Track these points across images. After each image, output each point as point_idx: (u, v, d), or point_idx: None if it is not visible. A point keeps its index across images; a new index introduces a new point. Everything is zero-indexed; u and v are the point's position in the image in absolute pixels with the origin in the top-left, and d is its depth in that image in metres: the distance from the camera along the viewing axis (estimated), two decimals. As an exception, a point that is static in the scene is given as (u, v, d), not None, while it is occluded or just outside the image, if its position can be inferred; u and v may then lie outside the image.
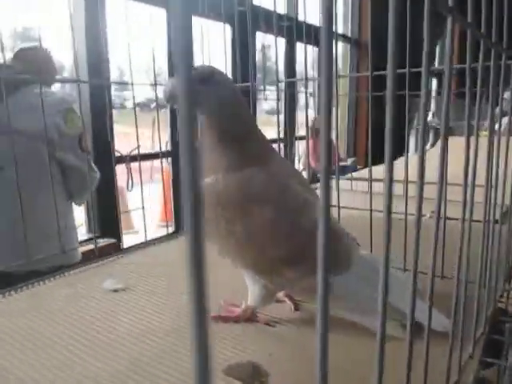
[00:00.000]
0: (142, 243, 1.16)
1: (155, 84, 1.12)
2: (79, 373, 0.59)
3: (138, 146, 1.12)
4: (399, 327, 0.59)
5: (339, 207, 0.97)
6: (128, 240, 1.34)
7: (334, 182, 1.04)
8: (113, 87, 2.38)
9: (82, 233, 2.50)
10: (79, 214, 2.29)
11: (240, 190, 0.65)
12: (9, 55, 1.38)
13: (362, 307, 0.63)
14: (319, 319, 0.21)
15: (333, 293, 0.63)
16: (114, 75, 2.10)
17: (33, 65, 1.35)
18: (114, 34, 2.26)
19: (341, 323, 0.65)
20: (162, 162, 1.21)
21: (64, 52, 2.48)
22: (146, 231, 1.16)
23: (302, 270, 0.63)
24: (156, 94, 1.14)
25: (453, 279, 0.51)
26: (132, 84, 1.12)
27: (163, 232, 1.25)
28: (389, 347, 0.57)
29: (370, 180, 0.97)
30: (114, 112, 2.56)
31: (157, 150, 3.00)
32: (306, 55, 0.99)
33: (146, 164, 1.91)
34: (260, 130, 0.72)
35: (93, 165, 1.36)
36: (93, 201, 2.40)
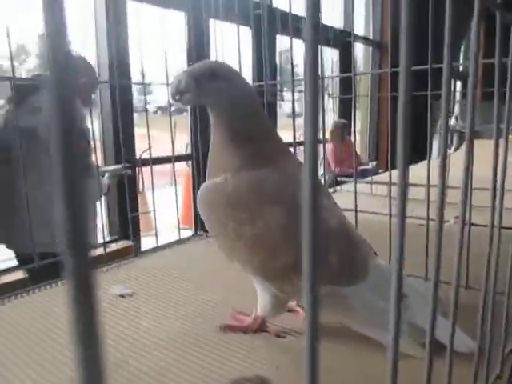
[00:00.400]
0: (155, 247, 1.14)
1: (167, 84, 1.11)
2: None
3: (150, 148, 1.11)
4: (418, 346, 0.55)
5: (356, 211, 0.93)
6: (148, 242, 1.32)
7: (352, 186, 1.01)
8: (135, 91, 2.40)
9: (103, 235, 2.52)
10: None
11: (251, 190, 0.62)
12: (35, 61, 1.41)
13: (377, 321, 0.58)
14: (307, 335, 0.19)
15: (346, 303, 0.60)
16: (136, 78, 2.10)
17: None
18: (136, 38, 2.28)
19: (354, 336, 0.62)
20: (173, 165, 1.20)
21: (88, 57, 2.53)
22: (157, 235, 1.14)
23: None
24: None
25: (479, 290, 0.47)
26: (144, 84, 1.10)
27: (182, 235, 1.23)
28: (406, 367, 0.53)
29: (390, 184, 0.93)
30: (136, 115, 2.58)
31: (177, 153, 3.04)
32: (322, 56, 0.96)
33: (167, 167, 1.92)
34: (275, 131, 0.69)
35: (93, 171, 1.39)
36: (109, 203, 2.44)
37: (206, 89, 0.62)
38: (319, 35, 0.17)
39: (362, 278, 0.61)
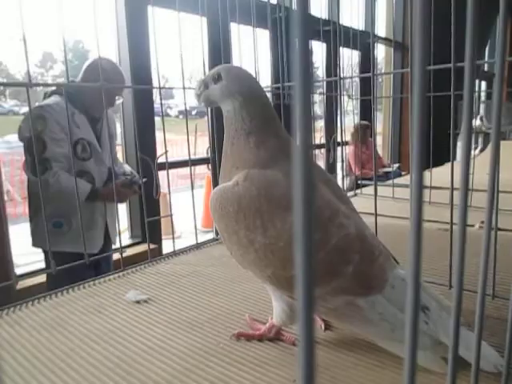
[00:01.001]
0: (172, 252, 1.13)
1: (183, 88, 1.10)
2: None
3: (166, 152, 1.10)
4: (441, 360, 0.53)
5: (376, 215, 0.90)
6: (170, 245, 1.32)
7: (372, 189, 0.98)
8: (157, 95, 2.42)
9: (126, 237, 2.55)
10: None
11: (262, 195, 0.59)
12: (60, 68, 1.43)
13: (396, 335, 0.55)
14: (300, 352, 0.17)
15: (363, 315, 0.57)
16: (157, 83, 2.12)
17: (103, 74, 1.43)
18: (158, 43, 2.30)
19: (372, 349, 0.59)
20: (190, 169, 1.19)
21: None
22: (173, 240, 1.13)
23: (327, 289, 0.57)
24: (185, 102, 1.13)
25: (507, 299, 0.44)
26: (160, 88, 1.10)
27: (204, 238, 1.23)
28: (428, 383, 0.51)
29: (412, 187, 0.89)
30: (158, 119, 2.60)
31: (199, 156, 3.05)
32: (340, 57, 0.94)
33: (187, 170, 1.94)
34: (284, 130, 0.67)
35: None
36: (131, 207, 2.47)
37: (211, 90, 0.67)
38: (309, 28, 0.16)
39: (378, 289, 0.58)
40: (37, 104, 1.56)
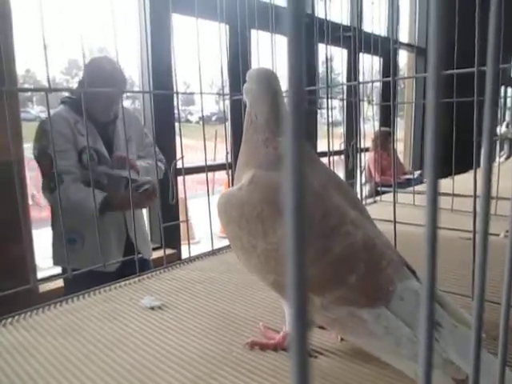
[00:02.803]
0: (189, 258, 1.12)
1: (201, 93, 1.10)
2: None
3: (182, 157, 1.10)
4: (451, 381, 0.49)
5: (395, 222, 0.88)
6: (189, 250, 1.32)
7: (391, 196, 0.96)
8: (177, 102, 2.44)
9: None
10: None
11: (265, 201, 0.58)
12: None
13: (401, 350, 0.52)
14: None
15: (367, 328, 0.55)
16: (179, 89, 2.14)
17: (101, 74, 1.41)
18: (180, 49, 2.32)
19: (378, 365, 0.57)
20: (207, 174, 1.19)
21: (132, 69, 2.60)
22: (189, 245, 1.13)
23: (329, 298, 0.55)
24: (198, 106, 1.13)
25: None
26: (177, 93, 1.11)
27: (222, 244, 1.22)
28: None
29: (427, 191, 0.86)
30: (178, 125, 2.61)
31: (219, 161, 3.05)
32: (358, 62, 0.92)
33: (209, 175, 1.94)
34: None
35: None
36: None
37: (243, 89, 0.71)
38: (302, 28, 0.15)
39: (384, 300, 0.55)
40: (43, 116, 1.56)
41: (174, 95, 1.16)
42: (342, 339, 0.67)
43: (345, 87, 1.59)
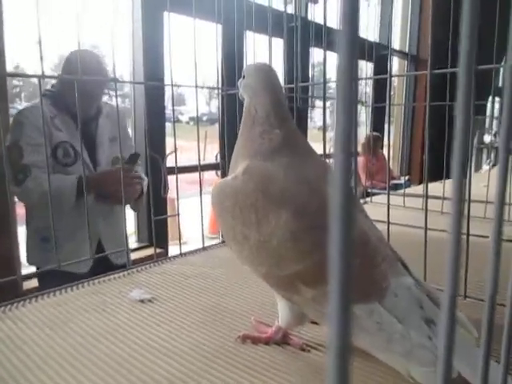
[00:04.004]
0: (179, 254, 1.11)
1: (196, 86, 1.10)
2: None
3: (176, 150, 1.09)
4: None
5: (389, 223, 0.88)
6: (176, 250, 1.30)
7: (382, 198, 0.96)
8: (169, 102, 2.43)
9: (132, 240, 2.55)
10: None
11: (258, 190, 0.58)
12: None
13: (393, 347, 0.51)
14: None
15: (359, 323, 0.54)
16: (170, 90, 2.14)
17: (86, 66, 1.28)
18: (172, 47, 2.31)
19: (371, 360, 0.56)
20: (200, 174, 1.18)
21: (124, 66, 2.58)
22: (180, 240, 1.11)
23: (323, 292, 0.54)
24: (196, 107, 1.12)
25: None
26: (172, 85, 1.09)
27: (210, 243, 1.21)
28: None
29: (426, 196, 0.87)
30: (169, 125, 2.61)
31: (208, 162, 3.05)
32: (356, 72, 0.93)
33: (197, 176, 1.92)
34: (294, 124, 0.68)
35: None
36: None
37: (240, 84, 0.71)
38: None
39: (377, 296, 0.54)
40: (19, 108, 1.46)
41: (166, 92, 1.15)
42: None
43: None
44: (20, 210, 1.62)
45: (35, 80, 0.87)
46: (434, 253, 0.70)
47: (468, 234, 0.77)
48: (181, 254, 1.10)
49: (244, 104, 0.68)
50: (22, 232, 1.90)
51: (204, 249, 1.15)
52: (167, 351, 0.64)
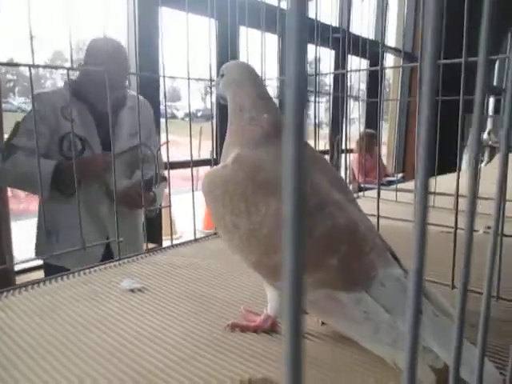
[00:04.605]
0: (171, 245, 1.11)
1: (188, 78, 1.09)
2: (77, 376, 0.55)
3: (167, 141, 1.09)
4: (428, 369, 0.48)
5: (379, 216, 0.89)
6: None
7: (375, 192, 0.97)
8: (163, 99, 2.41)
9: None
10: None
11: (248, 178, 0.59)
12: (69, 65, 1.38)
13: (380, 336, 0.52)
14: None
15: (345, 312, 0.54)
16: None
17: (99, 55, 1.26)
18: (166, 41, 2.30)
19: (359, 348, 0.56)
20: (192, 170, 1.17)
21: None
22: (171, 228, 1.12)
23: (309, 280, 0.54)
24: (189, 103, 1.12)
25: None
26: (164, 76, 1.09)
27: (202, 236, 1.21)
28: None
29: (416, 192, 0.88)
30: (165, 121, 2.59)
31: (203, 157, 3.04)
32: (351, 65, 0.93)
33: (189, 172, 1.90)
34: (279, 110, 0.68)
35: None
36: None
37: (220, 86, 0.72)
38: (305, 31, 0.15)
39: (364, 285, 0.55)
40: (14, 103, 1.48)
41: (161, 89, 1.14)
42: (322, 323, 0.67)
43: (331, 80, 1.61)
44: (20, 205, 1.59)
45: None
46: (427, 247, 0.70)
47: (456, 226, 0.78)
48: (172, 246, 1.11)
49: (228, 99, 0.69)
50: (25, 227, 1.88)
51: (196, 240, 1.15)
52: (157, 339, 0.64)
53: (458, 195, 0.81)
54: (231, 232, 0.59)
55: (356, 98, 1.80)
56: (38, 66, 0.82)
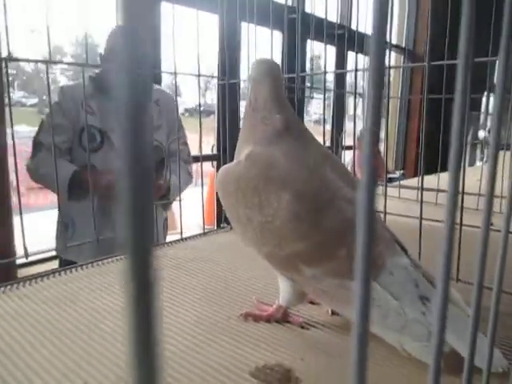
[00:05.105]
0: (177, 239, 1.13)
1: (198, 75, 1.10)
2: (97, 359, 0.57)
3: (178, 138, 1.10)
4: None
5: (385, 213, 0.92)
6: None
7: (381, 189, 0.99)
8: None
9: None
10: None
11: (260, 174, 0.62)
12: (69, 60, 1.38)
13: (388, 322, 0.55)
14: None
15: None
16: (165, 81, 2.13)
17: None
18: (165, 39, 2.30)
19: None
20: (201, 166, 1.19)
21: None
22: (181, 224, 1.13)
23: (321, 271, 0.58)
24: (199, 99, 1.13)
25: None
26: (175, 74, 1.10)
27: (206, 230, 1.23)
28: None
29: (421, 189, 0.91)
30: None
31: (204, 153, 3.04)
32: (357, 63, 0.95)
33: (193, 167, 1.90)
34: (292, 110, 0.70)
35: None
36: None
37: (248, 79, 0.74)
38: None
39: (374, 274, 0.57)
40: (24, 101, 1.50)
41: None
42: (332, 313, 0.69)
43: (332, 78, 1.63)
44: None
45: (29, 69, 0.89)
46: (432, 241, 0.73)
47: (461, 222, 0.81)
48: (181, 239, 1.13)
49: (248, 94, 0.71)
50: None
51: (204, 234, 1.18)
52: (170, 326, 0.66)
53: (463, 193, 0.83)
54: (245, 225, 0.62)
55: (360, 95, 1.81)
56: (54, 62, 0.83)
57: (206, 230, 1.19)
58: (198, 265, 0.94)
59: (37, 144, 1.35)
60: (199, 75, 1.09)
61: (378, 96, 0.18)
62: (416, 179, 1.95)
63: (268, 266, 0.66)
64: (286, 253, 0.59)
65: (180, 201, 1.17)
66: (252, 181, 0.61)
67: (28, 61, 0.98)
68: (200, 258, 0.98)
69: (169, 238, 1.30)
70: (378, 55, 0.18)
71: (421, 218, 0.88)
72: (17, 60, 0.90)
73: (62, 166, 1.33)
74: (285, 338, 0.63)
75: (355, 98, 1.03)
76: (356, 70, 0.91)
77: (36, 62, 0.92)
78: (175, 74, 1.07)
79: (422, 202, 0.88)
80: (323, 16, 1.18)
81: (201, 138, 1.18)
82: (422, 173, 0.97)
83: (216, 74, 1.21)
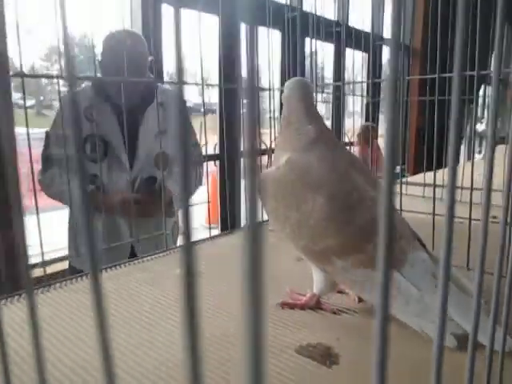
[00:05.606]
0: (211, 236, 1.18)
1: (202, 84, 1.09)
2: (147, 346, 0.64)
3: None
4: (450, 336, 0.59)
5: (401, 211, 0.98)
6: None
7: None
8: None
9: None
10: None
11: (298, 179, 0.70)
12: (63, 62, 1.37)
13: (410, 309, 0.63)
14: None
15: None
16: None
17: (123, 49, 1.21)
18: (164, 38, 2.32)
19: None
20: (207, 165, 1.22)
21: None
22: (210, 225, 1.17)
23: (351, 262, 0.66)
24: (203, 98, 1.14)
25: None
26: (182, 83, 1.09)
27: (208, 234, 1.25)
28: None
29: (434, 185, 0.97)
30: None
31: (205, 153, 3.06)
32: (354, 60, 0.99)
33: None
34: (322, 121, 0.78)
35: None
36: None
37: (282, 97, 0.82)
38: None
39: (395, 266, 0.65)
40: (21, 103, 1.43)
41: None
42: (359, 301, 0.77)
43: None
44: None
45: (25, 70, 0.87)
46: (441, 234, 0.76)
47: (470, 214, 0.86)
48: (210, 237, 1.18)
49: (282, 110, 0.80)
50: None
51: (231, 232, 1.24)
52: (216, 313, 0.74)
53: (472, 187, 0.88)
54: (283, 222, 0.71)
55: (364, 97, 1.85)
56: (63, 78, 0.82)
57: (204, 235, 1.19)
58: (236, 261, 0.97)
59: (46, 159, 1.34)
60: (203, 84, 1.07)
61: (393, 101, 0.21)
62: (417, 176, 1.99)
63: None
64: (319, 247, 0.68)
65: (209, 202, 1.20)
66: (290, 184, 0.71)
67: (41, 76, 0.99)
68: (232, 255, 1.01)
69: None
70: (393, 66, 0.21)
71: (434, 214, 0.93)
72: (31, 76, 0.89)
73: (76, 188, 1.30)
74: (320, 322, 0.72)
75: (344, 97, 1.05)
76: (373, 81, 0.94)
77: (47, 77, 0.94)
78: (180, 83, 1.08)
79: (434, 198, 0.95)
80: (318, 13, 1.20)
81: (206, 143, 1.20)
82: (434, 169, 1.02)
83: (216, 75, 1.19)
